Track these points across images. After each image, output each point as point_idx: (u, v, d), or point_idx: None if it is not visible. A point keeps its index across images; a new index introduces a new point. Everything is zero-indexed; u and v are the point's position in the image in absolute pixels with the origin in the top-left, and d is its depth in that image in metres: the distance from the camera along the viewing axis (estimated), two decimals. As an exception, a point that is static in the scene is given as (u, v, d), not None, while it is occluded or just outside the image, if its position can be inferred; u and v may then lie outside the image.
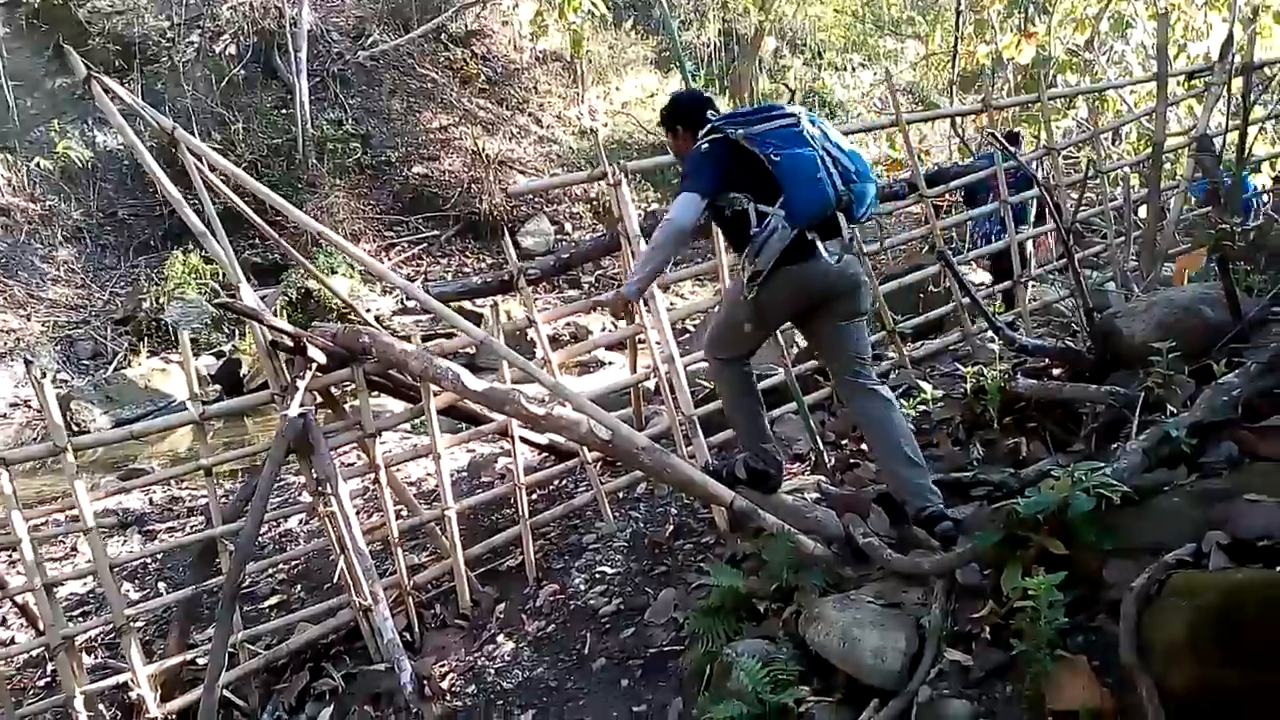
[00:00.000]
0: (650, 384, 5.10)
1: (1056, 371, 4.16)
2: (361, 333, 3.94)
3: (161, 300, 13.71)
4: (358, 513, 4.24)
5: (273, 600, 4.68)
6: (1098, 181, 6.04)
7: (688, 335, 7.62)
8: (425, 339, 4.17)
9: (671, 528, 4.15)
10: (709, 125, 3.52)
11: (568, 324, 12.23)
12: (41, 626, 3.68)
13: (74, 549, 5.90)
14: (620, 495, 4.64)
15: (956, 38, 10.21)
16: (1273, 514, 2.36)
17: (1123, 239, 5.69)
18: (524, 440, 4.65)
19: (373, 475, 4.14)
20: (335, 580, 4.05)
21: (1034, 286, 5.98)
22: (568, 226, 16.95)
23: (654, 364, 4.46)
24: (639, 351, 5.01)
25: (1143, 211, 5.87)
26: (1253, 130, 5.93)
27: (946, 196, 6.67)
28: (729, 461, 3.86)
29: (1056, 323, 5.46)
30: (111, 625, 3.78)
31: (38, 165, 15.30)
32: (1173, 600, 2.17)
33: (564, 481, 5.08)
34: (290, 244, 4.44)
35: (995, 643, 2.55)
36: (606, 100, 20.41)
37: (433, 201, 16.92)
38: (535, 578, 4.13)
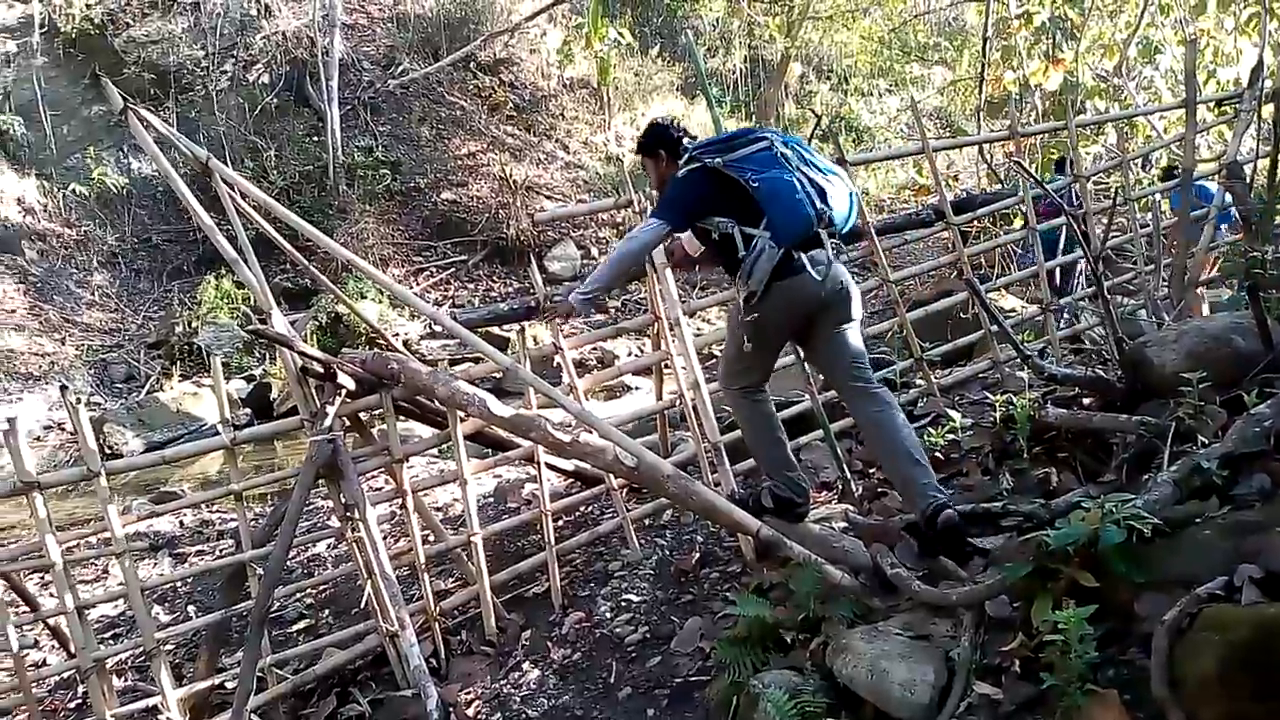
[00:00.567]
0: (676, 411, 5.12)
1: (1087, 401, 4.12)
2: (390, 359, 3.97)
3: (194, 325, 13.91)
4: (385, 538, 4.26)
5: (301, 625, 4.71)
6: (1127, 208, 6.01)
7: (713, 361, 7.61)
8: (453, 364, 4.20)
9: (697, 556, 4.14)
10: (687, 154, 3.62)
11: (593, 349, 12.27)
12: (73, 649, 3.72)
13: (105, 571, 5.97)
14: (646, 522, 4.63)
15: (983, 64, 10.21)
16: (1306, 548, 2.33)
17: (1153, 266, 5.65)
18: (550, 466, 4.66)
19: (400, 500, 4.16)
20: (363, 605, 4.07)
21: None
22: (594, 251, 17.03)
23: (680, 390, 4.46)
24: (665, 378, 5.02)
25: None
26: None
27: (975, 223, 6.64)
28: (755, 490, 3.85)
29: (1086, 351, 5.42)
30: (141, 648, 3.81)
31: (74, 191, 15.61)
32: (1204, 634, 2.14)
33: (590, 508, 5.08)
34: (320, 270, 4.50)
35: (1025, 676, 2.52)
36: (633, 126, 20.53)
37: (461, 227, 17.08)
38: (561, 605, 4.13)
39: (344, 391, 3.85)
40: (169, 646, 4.47)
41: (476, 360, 5.34)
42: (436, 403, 4.14)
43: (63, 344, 13.74)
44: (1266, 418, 2.94)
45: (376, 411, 4.12)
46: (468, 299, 15.82)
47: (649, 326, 4.70)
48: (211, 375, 3.96)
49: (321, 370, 3.78)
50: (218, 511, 6.92)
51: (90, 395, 12.86)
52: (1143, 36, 9.68)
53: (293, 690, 3.86)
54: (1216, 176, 5.88)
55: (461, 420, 4.07)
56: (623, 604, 3.98)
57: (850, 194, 3.59)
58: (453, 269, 16.64)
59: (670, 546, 4.39)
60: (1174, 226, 6.09)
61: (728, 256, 3.56)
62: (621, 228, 16.96)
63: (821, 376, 3.95)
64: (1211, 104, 6.89)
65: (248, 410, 11.84)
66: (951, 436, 4.30)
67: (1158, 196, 6.41)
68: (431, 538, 4.39)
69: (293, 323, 3.93)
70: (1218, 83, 8.68)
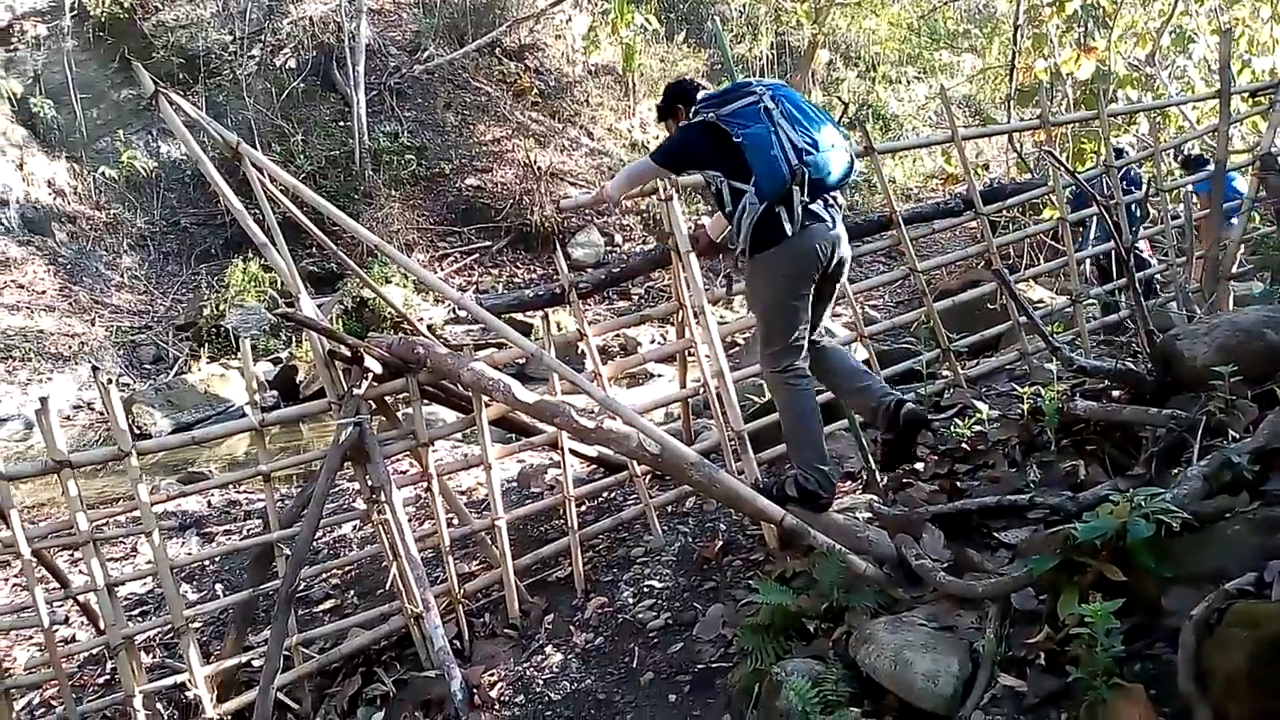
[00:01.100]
0: (700, 399, 5.11)
1: (1116, 393, 4.09)
2: (416, 343, 3.99)
3: (222, 307, 14.04)
4: (409, 520, 4.29)
5: (327, 605, 4.75)
6: (1159, 199, 5.94)
7: (737, 349, 7.60)
8: (477, 349, 4.21)
9: (720, 543, 4.14)
10: (695, 108, 3.72)
11: (616, 336, 12.27)
12: (102, 625, 3.77)
13: (134, 550, 6.05)
14: (669, 509, 4.64)
15: (1014, 52, 10.09)
16: (1338, 544, 2.31)
17: (1185, 259, 5.58)
18: (573, 452, 4.68)
19: (425, 484, 4.19)
20: (388, 587, 4.11)
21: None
22: (618, 238, 17.04)
23: (704, 378, 4.46)
24: (689, 366, 5.02)
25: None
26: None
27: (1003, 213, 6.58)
28: (779, 479, 3.84)
29: (1116, 343, 5.37)
30: (170, 626, 3.87)
31: (103, 174, 15.76)
32: (1233, 630, 2.13)
33: (613, 494, 5.10)
34: (346, 254, 4.52)
35: (1050, 669, 2.51)
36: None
37: (485, 213, 17.13)
38: (584, 590, 4.14)
39: (371, 375, 3.87)
40: (196, 624, 4.53)
41: (500, 345, 5.37)
42: (461, 387, 4.16)
43: (92, 325, 13.90)
44: (1299, 412, 2.91)
45: (402, 395, 4.14)
46: (491, 284, 15.87)
47: (673, 314, 4.69)
48: (240, 358, 3.99)
49: (349, 354, 3.81)
50: (245, 492, 7.00)
51: (119, 376, 13.01)
52: (1176, 25, 9.55)
53: (318, 669, 3.90)
54: (1252, 169, 5.79)
55: (486, 405, 4.08)
56: (645, 590, 3.99)
57: (844, 149, 3.57)
58: (476, 254, 16.69)
59: (693, 534, 4.39)
60: (1203, 218, 6.02)
61: (722, 210, 3.69)
62: (645, 215, 16.96)
63: None
64: (1246, 94, 6.79)
65: (274, 392, 11.95)
66: (978, 428, 4.27)
67: (1189, 187, 6.33)
68: (455, 521, 4.42)
69: (319, 306, 3.96)
70: (1253, 73, 8.55)
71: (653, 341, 12.61)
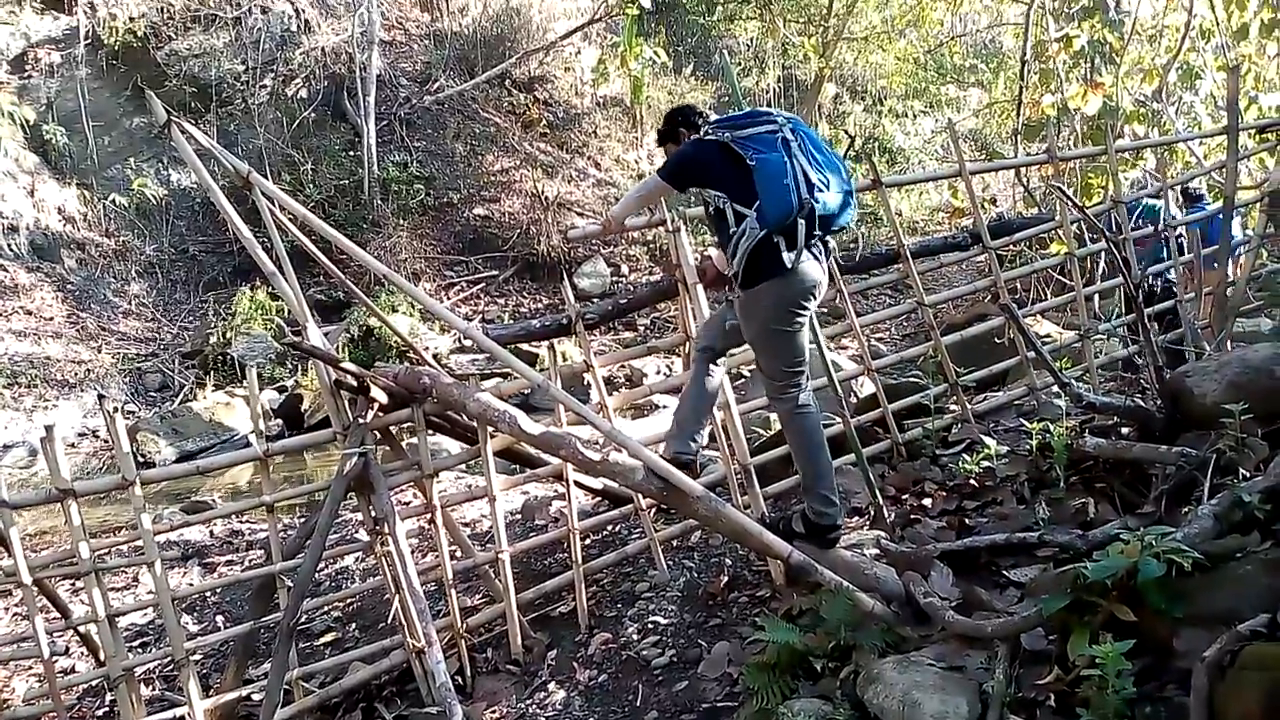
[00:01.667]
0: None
1: (1125, 430, 4.06)
2: (422, 374, 3.98)
3: (228, 335, 14.05)
4: (412, 552, 4.26)
5: (327, 638, 4.71)
6: (1167, 235, 5.93)
7: (743, 381, 7.58)
8: (482, 378, 4.20)
9: (726, 579, 4.10)
10: (705, 128, 3.73)
11: (621, 367, 12.26)
12: (102, 656, 3.74)
13: (135, 579, 6.01)
14: (674, 543, 4.60)
15: (1021, 87, 10.13)
16: (1353, 585, 2.28)
17: (1193, 295, 5.56)
18: (578, 484, 4.65)
19: (428, 515, 4.16)
20: (389, 620, 4.07)
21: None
22: (624, 269, 17.07)
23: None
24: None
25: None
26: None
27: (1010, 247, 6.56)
28: (786, 514, 3.82)
29: (1124, 379, 5.34)
30: (170, 658, 3.83)
31: (114, 201, 15.85)
32: (1246, 672, 2.11)
33: (617, 527, 5.06)
34: (353, 282, 4.53)
35: (1060, 711, 2.48)
36: (664, 144, 20.60)
37: (492, 242, 17.19)
38: (587, 625, 4.11)
39: (376, 405, 3.86)
40: (197, 657, 4.49)
41: (505, 375, 5.35)
42: (467, 418, 4.14)
43: (99, 352, 13.92)
44: (1311, 451, 2.89)
45: (406, 425, 4.13)
46: (497, 314, 15.89)
47: (679, 345, 4.68)
48: (246, 386, 3.99)
49: (355, 384, 3.80)
50: (247, 522, 6.96)
51: (125, 403, 13.01)
52: (1183, 61, 9.58)
53: (319, 704, 3.86)
54: (1260, 205, 5.79)
55: (491, 436, 4.06)
56: (650, 626, 3.95)
57: (845, 192, 3.62)
58: (483, 284, 16.73)
59: (698, 569, 4.35)
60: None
61: (720, 231, 3.66)
62: (651, 245, 17.01)
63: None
64: (1253, 130, 6.80)
65: (279, 421, 11.94)
66: (986, 464, 4.25)
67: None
68: (459, 553, 4.39)
69: (326, 335, 3.96)
70: (1259, 109, 8.57)
71: (658, 372, 12.59)
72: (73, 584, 5.52)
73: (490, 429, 3.99)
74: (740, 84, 21.08)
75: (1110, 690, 2.27)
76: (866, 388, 6.08)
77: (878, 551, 3.66)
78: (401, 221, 16.80)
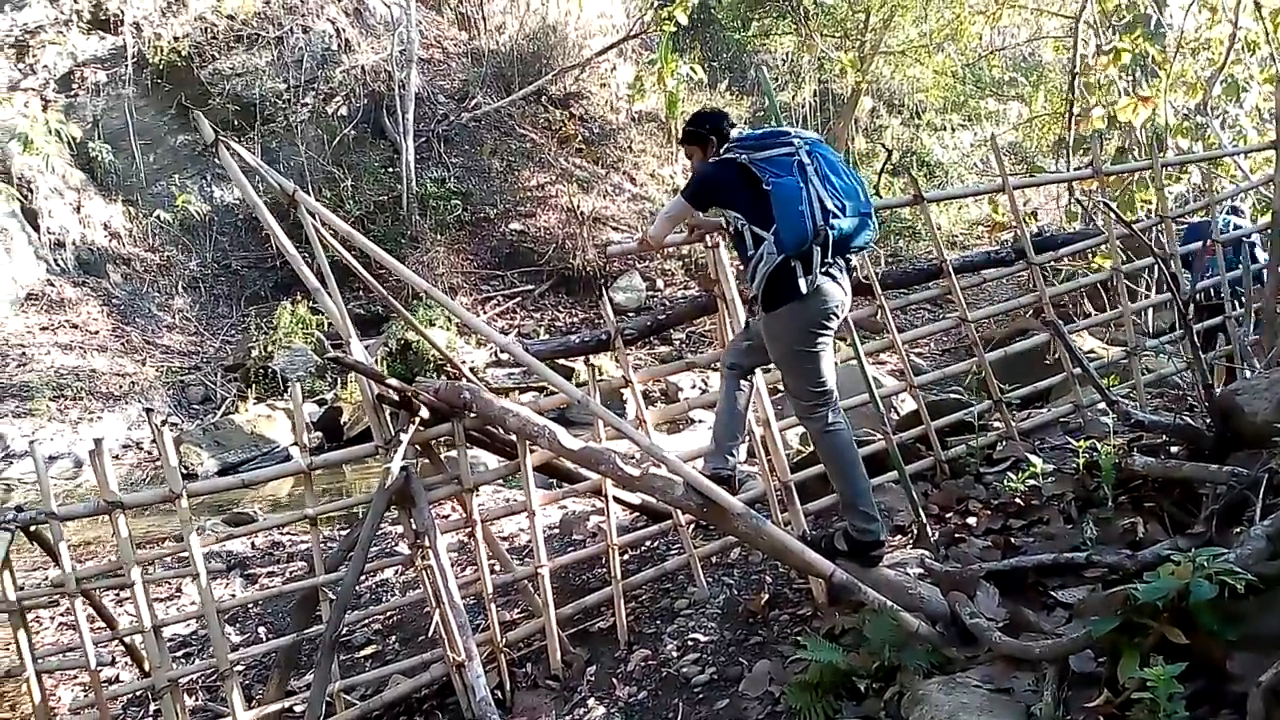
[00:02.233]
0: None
1: (1174, 449, 3.98)
2: (462, 389, 4.00)
3: (270, 349, 14.24)
4: (452, 566, 4.27)
5: (368, 650, 4.73)
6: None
7: (782, 395, 7.54)
8: (520, 392, 4.22)
9: (766, 597, 4.07)
10: (726, 145, 3.72)
11: (656, 382, 12.25)
12: (148, 667, 3.78)
13: (178, 590, 6.08)
14: (713, 560, 4.58)
15: (1070, 100, 10.02)
16: None
17: (1242, 311, 5.46)
18: (617, 500, 4.64)
19: (468, 530, 4.17)
20: (430, 634, 4.08)
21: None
22: (659, 283, 17.10)
23: (749, 426, 4.41)
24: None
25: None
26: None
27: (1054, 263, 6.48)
28: (828, 531, 3.78)
29: (1171, 396, 5.25)
30: (213, 668, 3.86)
31: (158, 218, 16.16)
32: (1303, 697, 2.05)
33: (655, 543, 5.05)
34: (392, 297, 4.59)
35: (1110, 734, 2.43)
36: (700, 160, 20.63)
37: (528, 257, 17.31)
38: (626, 641, 4.09)
39: (418, 419, 3.88)
40: (239, 668, 4.53)
41: (541, 390, 5.36)
42: (506, 433, 4.15)
43: (143, 365, 14.16)
44: (1368, 471, 2.82)
45: (445, 439, 4.14)
46: (533, 328, 15.97)
47: (716, 361, 4.66)
48: (291, 400, 4.03)
49: (397, 398, 3.83)
50: (288, 534, 7.03)
51: (168, 416, 13.21)
52: (1228, 74, 9.45)
53: (360, 717, 3.86)
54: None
55: (530, 451, 4.07)
56: (689, 643, 3.92)
57: (863, 215, 3.58)
58: (519, 298, 16.83)
59: (738, 586, 4.32)
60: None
61: (740, 253, 3.69)
62: (687, 260, 17.02)
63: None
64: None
65: (319, 434, 12.06)
66: (1032, 482, 4.18)
67: (1255, 238, 6.22)
68: (498, 568, 4.39)
69: (365, 348, 3.99)
70: (1307, 122, 8.41)
71: (694, 387, 12.56)
72: (117, 594, 5.60)
73: (530, 444, 4.00)
74: (776, 99, 21.08)
75: (1162, 714, 2.23)
76: (907, 404, 6.03)
77: (921, 571, 3.61)
78: (439, 237, 16.98)
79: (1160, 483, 3.73)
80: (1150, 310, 6.00)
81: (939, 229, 6.29)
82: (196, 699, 4.51)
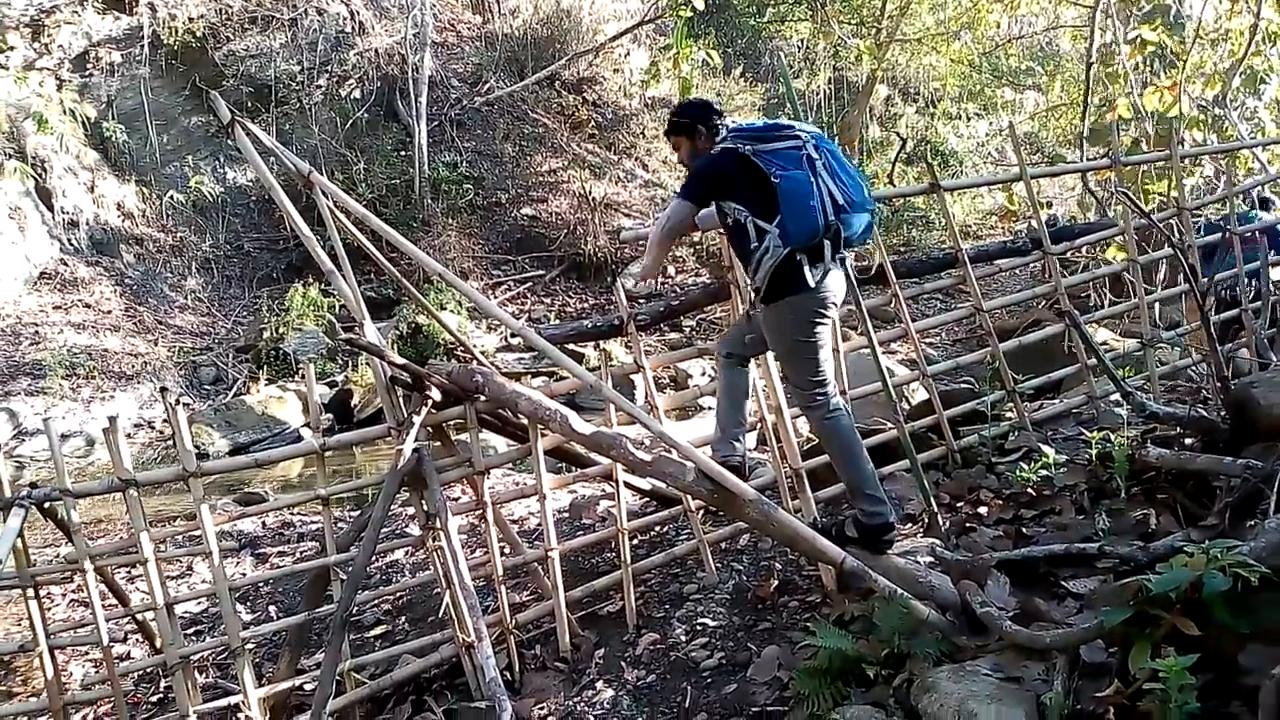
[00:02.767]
0: (756, 434, 5.06)
1: (1188, 441, 3.97)
2: (475, 372, 4.01)
3: (281, 330, 14.26)
4: (462, 548, 4.28)
5: (377, 630, 4.76)
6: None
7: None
8: (531, 376, 4.23)
9: (776, 583, 4.07)
10: (724, 136, 3.70)
11: (666, 369, 12.24)
12: (159, 644, 3.81)
13: (189, 568, 6.12)
14: (723, 546, 4.58)
15: (1088, 89, 9.94)
16: None
17: (1259, 303, 5.42)
18: (626, 485, 4.65)
19: (479, 512, 4.19)
20: (439, 614, 4.10)
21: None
22: (670, 269, 17.06)
23: (760, 413, 4.42)
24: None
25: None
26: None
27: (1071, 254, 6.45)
28: (838, 519, 3.78)
29: (1185, 389, 5.22)
30: (224, 646, 3.89)
31: (171, 198, 16.18)
32: (1315, 690, 2.04)
33: (665, 528, 5.05)
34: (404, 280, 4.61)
35: (1121, 724, 2.43)
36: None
37: (539, 242, 17.29)
38: (635, 625, 4.10)
39: (430, 402, 3.89)
40: (250, 646, 4.56)
41: (552, 374, 5.36)
42: (517, 416, 4.16)
43: (155, 345, 14.20)
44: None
45: (455, 422, 4.15)
46: (544, 313, 15.97)
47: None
48: (305, 381, 4.04)
49: (410, 381, 3.83)
50: (298, 514, 7.05)
51: (180, 396, 13.26)
52: (1247, 66, 9.36)
53: (370, 695, 3.89)
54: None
55: (542, 435, 4.08)
56: (698, 628, 3.93)
57: (870, 209, 3.63)
58: (530, 283, 16.83)
59: (747, 572, 4.33)
60: None
61: (739, 245, 3.69)
62: (698, 247, 16.98)
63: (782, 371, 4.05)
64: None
65: (329, 415, 12.10)
66: (1044, 472, 4.17)
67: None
68: (508, 550, 4.41)
69: (377, 331, 4.00)
70: (1327, 115, 8.34)
71: (704, 374, 12.55)
72: (128, 571, 5.64)
73: (541, 428, 4.00)
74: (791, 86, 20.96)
75: (1173, 704, 2.22)
76: (919, 394, 6.02)
77: (932, 559, 3.61)
78: (450, 221, 16.97)
79: (1174, 474, 3.72)
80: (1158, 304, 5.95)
81: (953, 218, 6.25)
82: (207, 676, 4.54)
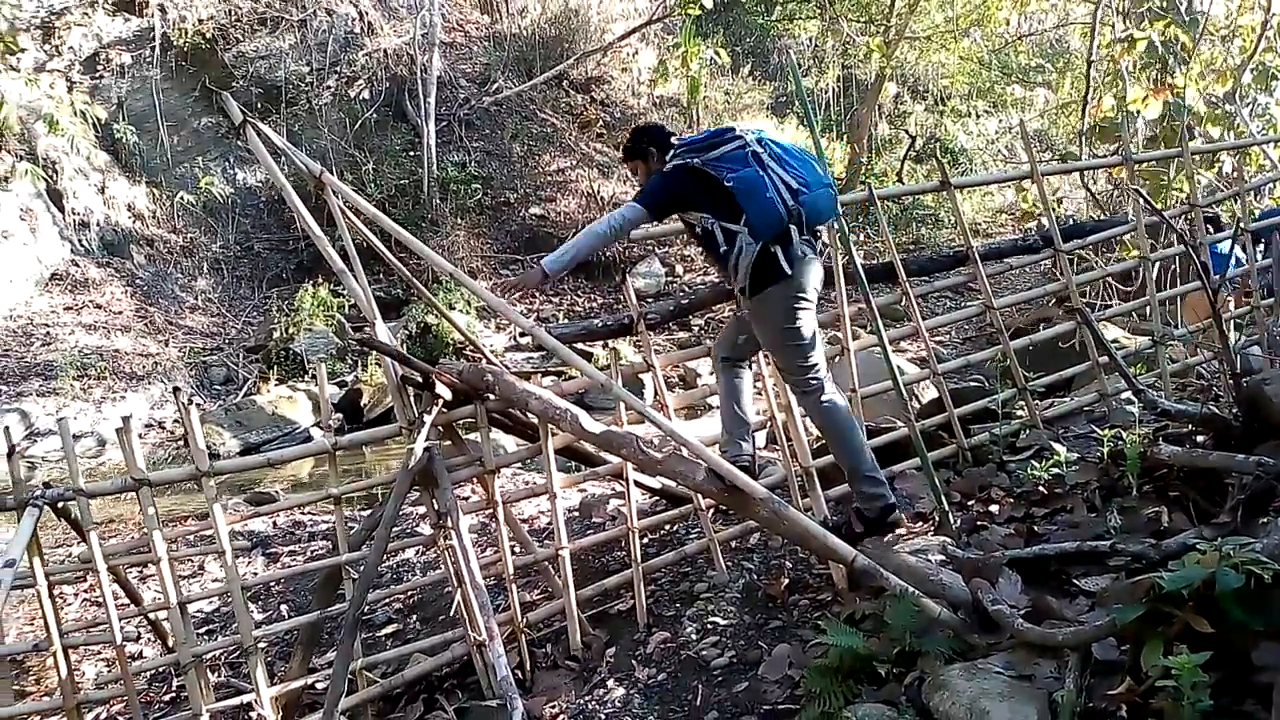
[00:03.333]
0: (765, 432, 5.06)
1: (1200, 438, 3.95)
2: (486, 371, 4.02)
3: (291, 330, 14.30)
4: (473, 547, 4.29)
5: (389, 629, 4.77)
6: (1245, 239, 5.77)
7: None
8: (541, 376, 4.24)
9: (786, 581, 4.07)
10: (672, 152, 3.85)
11: (675, 367, 12.23)
12: (172, 643, 3.83)
13: (201, 567, 6.15)
14: (733, 544, 4.58)
15: (1087, 88, 9.92)
16: None
17: (1271, 300, 5.40)
18: (637, 483, 4.65)
19: (489, 511, 4.19)
20: (451, 613, 4.10)
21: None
22: (678, 269, 17.08)
23: (770, 412, 4.41)
24: (754, 399, 4.96)
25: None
26: None
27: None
28: (848, 517, 3.79)
29: (1197, 385, 5.20)
30: (236, 645, 3.91)
31: (182, 199, 16.24)
32: (1330, 688, 2.03)
33: (676, 527, 5.05)
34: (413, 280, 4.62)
35: (1133, 722, 2.42)
36: (722, 145, 20.56)
37: (548, 241, 17.27)
38: (646, 624, 4.10)
39: (442, 401, 3.90)
40: (262, 645, 4.57)
41: (561, 373, 5.37)
42: (527, 416, 4.17)
43: (166, 345, 14.26)
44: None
45: (466, 421, 4.16)
46: (552, 313, 15.99)
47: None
48: (317, 382, 4.05)
49: (422, 380, 3.84)
50: (309, 514, 7.08)
51: (191, 396, 13.30)
52: (1258, 62, 9.32)
53: (382, 694, 3.91)
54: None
55: (552, 434, 4.09)
56: (709, 626, 3.93)
57: (830, 186, 3.76)
58: (538, 283, 16.82)
59: (758, 570, 4.33)
60: None
61: (711, 251, 3.78)
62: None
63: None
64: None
65: (339, 415, 12.12)
66: (1055, 471, 4.16)
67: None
68: (519, 549, 4.41)
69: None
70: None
71: (712, 373, 12.54)
72: (140, 571, 5.66)
73: (552, 427, 4.01)
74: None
75: (1186, 702, 2.21)
76: (929, 393, 6.00)
77: (943, 557, 3.61)
78: (459, 220, 17.00)
79: (1186, 472, 3.70)
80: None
81: (963, 216, 6.23)
82: (219, 675, 4.56)
